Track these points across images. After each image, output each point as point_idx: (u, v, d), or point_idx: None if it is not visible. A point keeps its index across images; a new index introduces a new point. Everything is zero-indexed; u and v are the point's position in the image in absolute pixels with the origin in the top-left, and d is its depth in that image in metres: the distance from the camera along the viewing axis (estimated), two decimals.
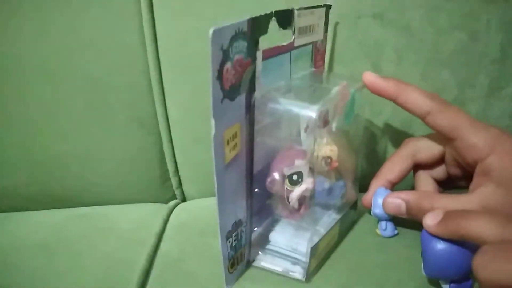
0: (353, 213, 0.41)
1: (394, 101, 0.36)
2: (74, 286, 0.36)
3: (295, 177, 0.34)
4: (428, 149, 0.38)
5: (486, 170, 0.32)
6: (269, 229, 0.37)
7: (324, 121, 0.34)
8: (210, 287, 0.34)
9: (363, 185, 0.42)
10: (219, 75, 0.26)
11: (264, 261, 0.36)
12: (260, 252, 0.37)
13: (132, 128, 0.48)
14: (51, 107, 0.47)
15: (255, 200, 0.35)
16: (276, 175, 0.34)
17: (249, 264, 0.37)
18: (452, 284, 0.31)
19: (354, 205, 0.41)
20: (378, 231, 0.40)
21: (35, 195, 0.51)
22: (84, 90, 0.46)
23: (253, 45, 0.30)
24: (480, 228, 0.26)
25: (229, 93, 0.28)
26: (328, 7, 0.39)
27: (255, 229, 0.37)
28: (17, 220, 0.48)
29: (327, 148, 0.38)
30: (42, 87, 0.46)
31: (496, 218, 0.26)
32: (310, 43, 0.38)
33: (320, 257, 0.36)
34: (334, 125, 0.37)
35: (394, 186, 0.41)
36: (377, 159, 0.50)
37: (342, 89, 0.36)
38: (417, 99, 0.34)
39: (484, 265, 0.23)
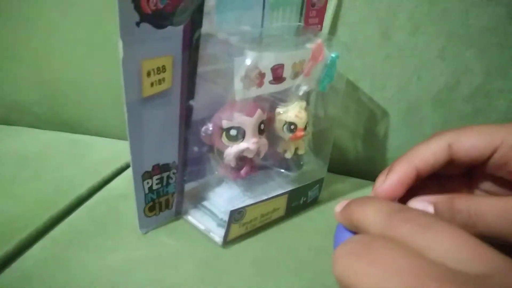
0: (314, 191, 0.37)
1: None
2: (18, 191, 0.37)
3: (233, 132, 0.30)
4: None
5: None
6: (210, 186, 0.35)
7: (276, 76, 0.30)
8: (127, 226, 0.33)
9: (355, 170, 0.37)
10: None
11: (193, 216, 0.34)
12: (193, 207, 0.35)
13: None
14: (57, 34, 0.48)
15: (195, 149, 0.33)
16: (211, 125, 0.31)
17: (180, 216, 0.35)
18: None
19: (317, 183, 0.37)
20: None
21: (45, 115, 0.54)
22: (86, 20, 0.46)
23: None
24: (366, 215, 0.20)
25: (152, 19, 0.26)
26: None
27: (192, 182, 0.34)
28: (21, 134, 0.51)
29: (292, 113, 0.34)
30: (53, 13, 0.47)
31: (388, 206, 0.19)
32: None
33: (250, 226, 0.33)
34: (303, 88, 0.33)
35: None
36: (375, 142, 0.43)
37: (315, 48, 0.32)
38: None
39: (339, 258, 0.18)
